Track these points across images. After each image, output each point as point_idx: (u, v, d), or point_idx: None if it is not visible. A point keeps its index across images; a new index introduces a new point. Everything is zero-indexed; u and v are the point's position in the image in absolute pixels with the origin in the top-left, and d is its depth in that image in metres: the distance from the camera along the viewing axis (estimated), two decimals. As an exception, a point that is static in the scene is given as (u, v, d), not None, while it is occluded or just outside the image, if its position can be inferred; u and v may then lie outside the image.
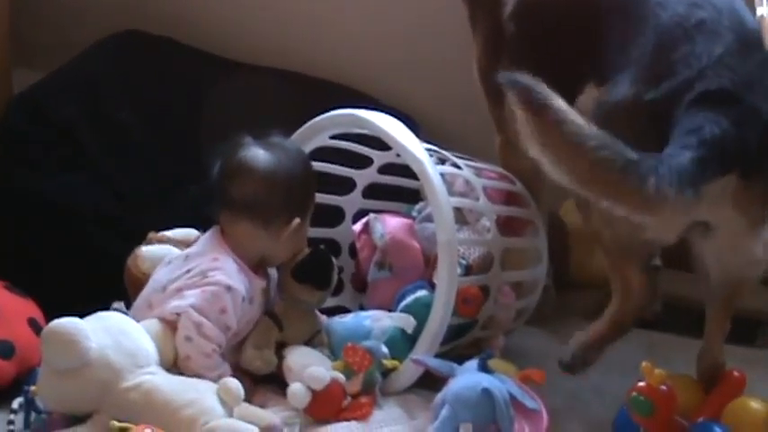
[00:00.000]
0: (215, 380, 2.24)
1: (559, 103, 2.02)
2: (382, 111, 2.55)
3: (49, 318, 2.25)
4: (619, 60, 2.25)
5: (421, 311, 2.41)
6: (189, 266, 2.37)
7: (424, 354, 2.34)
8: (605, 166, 1.98)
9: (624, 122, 2.15)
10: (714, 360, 2.38)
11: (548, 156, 2.03)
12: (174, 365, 2.28)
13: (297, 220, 2.41)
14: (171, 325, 2.30)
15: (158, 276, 2.39)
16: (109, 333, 2.18)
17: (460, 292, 2.40)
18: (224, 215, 2.43)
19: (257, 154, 2.43)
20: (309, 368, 2.29)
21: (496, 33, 2.59)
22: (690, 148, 2.03)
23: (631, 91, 2.18)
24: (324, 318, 2.55)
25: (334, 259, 2.53)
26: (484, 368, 2.20)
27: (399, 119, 2.54)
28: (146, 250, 2.46)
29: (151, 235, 2.51)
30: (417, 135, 2.52)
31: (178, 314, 2.29)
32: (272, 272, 2.51)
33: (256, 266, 2.43)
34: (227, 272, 2.35)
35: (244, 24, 3.28)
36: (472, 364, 2.23)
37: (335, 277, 2.53)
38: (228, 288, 2.33)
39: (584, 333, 2.47)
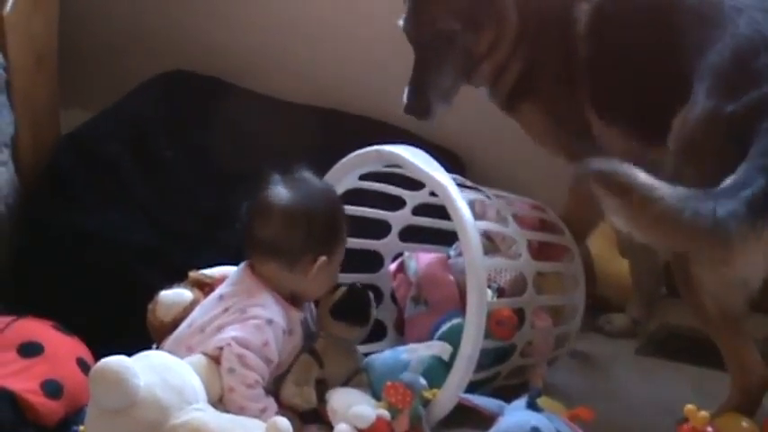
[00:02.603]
0: (259, 414, 2.25)
1: (643, 179, 1.98)
2: (427, 149, 2.55)
3: (97, 355, 2.26)
4: (697, 68, 2.18)
5: (456, 338, 2.40)
6: (226, 305, 2.37)
7: (460, 378, 2.33)
8: (704, 234, 1.96)
9: (704, 139, 2.11)
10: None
11: (640, 232, 2.01)
12: (221, 401, 2.28)
13: (323, 259, 2.40)
14: (216, 360, 2.30)
15: (193, 318, 2.39)
16: (154, 371, 2.18)
17: (493, 314, 2.39)
18: (252, 255, 2.44)
19: (278, 193, 2.42)
20: (354, 407, 2.28)
21: (569, 68, 2.50)
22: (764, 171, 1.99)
23: (710, 104, 2.11)
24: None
25: (371, 295, 2.53)
26: (532, 406, 2.18)
27: (445, 157, 2.55)
28: (163, 295, 2.47)
29: (191, 274, 2.52)
30: (463, 173, 2.51)
31: (221, 348, 2.30)
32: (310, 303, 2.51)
33: (291, 299, 2.43)
34: (266, 306, 2.35)
35: (289, 64, 3.29)
36: (520, 402, 2.21)
37: (374, 314, 2.53)
38: (270, 321, 2.33)
39: None
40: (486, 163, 3.09)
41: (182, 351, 2.34)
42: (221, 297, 2.39)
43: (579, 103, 2.52)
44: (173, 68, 3.23)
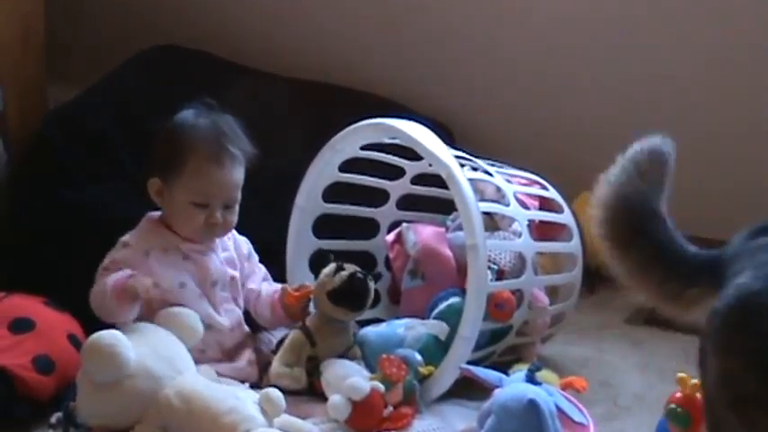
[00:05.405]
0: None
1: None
2: (415, 120, 2.54)
3: (88, 332, 2.26)
4: None
5: (453, 318, 2.40)
6: None
7: (457, 359, 2.33)
8: None
9: None
10: None
11: None
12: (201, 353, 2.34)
13: (154, 180, 2.40)
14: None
15: None
16: (144, 342, 2.19)
17: (492, 296, 2.39)
18: None
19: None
20: (349, 379, 2.28)
21: None
22: None
23: None
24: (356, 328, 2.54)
25: (371, 283, 2.47)
26: (531, 380, 2.18)
27: (433, 128, 2.53)
28: None
29: None
30: (452, 143, 2.48)
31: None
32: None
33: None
34: (134, 233, 2.42)
35: (277, 37, 3.29)
36: (520, 375, 2.21)
37: (371, 300, 2.49)
38: (124, 244, 2.40)
39: None
40: (475, 134, 3.09)
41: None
42: None
43: None
44: (161, 43, 3.22)
